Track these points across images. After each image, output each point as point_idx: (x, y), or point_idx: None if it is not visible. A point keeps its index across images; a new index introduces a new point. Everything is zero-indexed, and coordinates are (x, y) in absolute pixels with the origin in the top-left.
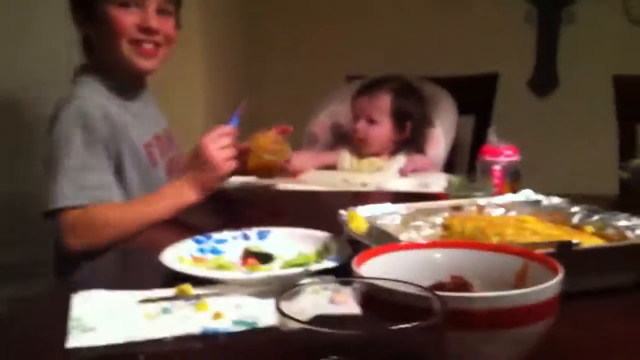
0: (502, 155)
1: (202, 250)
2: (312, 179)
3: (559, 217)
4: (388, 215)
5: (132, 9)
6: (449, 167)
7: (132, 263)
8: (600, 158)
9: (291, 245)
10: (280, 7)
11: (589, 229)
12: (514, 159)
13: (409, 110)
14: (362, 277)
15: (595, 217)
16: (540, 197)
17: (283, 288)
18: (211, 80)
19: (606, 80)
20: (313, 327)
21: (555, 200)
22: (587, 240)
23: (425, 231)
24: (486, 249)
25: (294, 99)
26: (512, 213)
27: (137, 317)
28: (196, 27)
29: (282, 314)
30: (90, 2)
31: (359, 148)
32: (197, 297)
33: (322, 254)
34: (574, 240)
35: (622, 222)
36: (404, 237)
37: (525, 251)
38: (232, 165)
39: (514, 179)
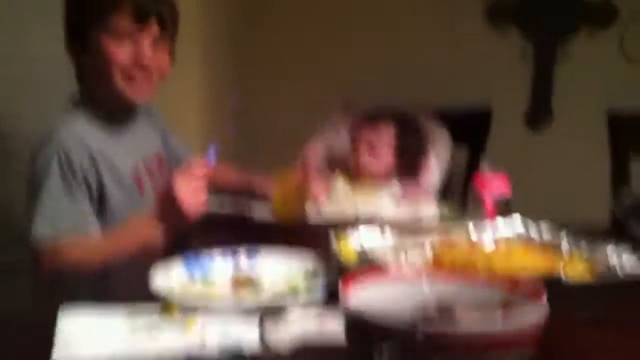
0: (493, 186)
1: (190, 270)
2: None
3: (548, 248)
4: (378, 244)
5: (126, 43)
6: (441, 196)
7: (120, 277)
8: (593, 192)
9: (280, 270)
10: (278, 34)
11: (578, 261)
12: (505, 190)
13: (410, 141)
14: (348, 305)
15: (584, 249)
16: (530, 226)
17: (270, 314)
18: (205, 106)
19: (600, 116)
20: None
21: (545, 231)
22: (574, 272)
23: (415, 260)
24: (473, 279)
25: (289, 125)
26: (502, 243)
27: (123, 332)
28: (194, 47)
29: (265, 340)
30: (85, 33)
31: (356, 177)
32: (185, 312)
33: (311, 280)
34: (560, 272)
35: (611, 255)
36: (393, 265)
37: (511, 282)
38: (202, 207)
39: (505, 210)
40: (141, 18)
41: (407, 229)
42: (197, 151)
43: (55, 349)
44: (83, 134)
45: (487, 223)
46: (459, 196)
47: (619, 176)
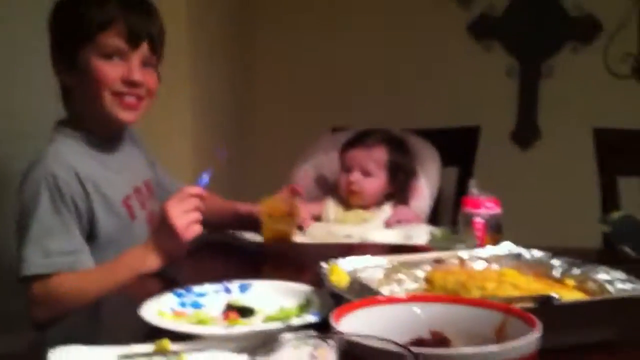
0: (483, 207)
1: (182, 304)
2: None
3: (540, 270)
4: (370, 268)
5: (116, 61)
6: (433, 218)
7: (111, 317)
8: (582, 210)
9: (273, 299)
10: (270, 57)
11: (570, 282)
12: (495, 211)
13: (402, 163)
14: (340, 333)
15: (576, 271)
16: (521, 250)
17: (263, 343)
18: (199, 128)
19: (587, 132)
20: None
21: (537, 253)
22: (568, 294)
23: (408, 284)
24: (466, 303)
25: (281, 148)
26: (494, 266)
27: None
28: (185, 74)
29: None
30: (73, 52)
31: (348, 199)
32: (176, 352)
33: (304, 308)
34: (554, 295)
35: (603, 276)
36: (385, 290)
37: (504, 306)
38: (197, 230)
39: (496, 231)
40: (133, 38)
41: (399, 253)
42: (189, 176)
43: None
44: (71, 159)
45: (478, 245)
46: (450, 218)
47: (608, 194)
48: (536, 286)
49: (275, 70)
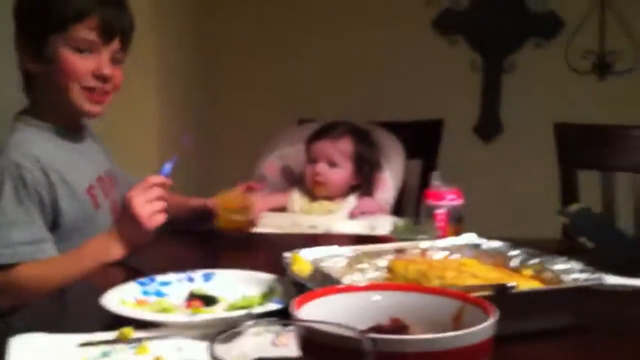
0: (445, 199)
1: (145, 293)
2: (262, 221)
3: (499, 260)
4: (333, 257)
5: (86, 55)
6: (397, 210)
7: (74, 305)
8: (543, 202)
9: (236, 287)
10: (235, 48)
11: (527, 272)
12: (456, 203)
13: (367, 154)
14: (300, 320)
15: (533, 261)
16: (481, 240)
17: (225, 330)
18: (163, 119)
19: (548, 127)
20: None
21: (496, 243)
22: (524, 283)
23: (370, 274)
24: (424, 291)
25: (245, 140)
26: (454, 256)
27: None
28: (150, 64)
29: (214, 357)
30: (42, 42)
31: (314, 191)
32: (138, 340)
33: (267, 296)
34: (511, 284)
35: (559, 266)
36: (347, 279)
37: (461, 294)
38: (160, 218)
39: (457, 222)
40: (106, 33)
41: (362, 244)
42: (154, 166)
43: None
44: (34, 148)
45: (440, 236)
46: (414, 210)
47: (567, 187)
48: (494, 275)
49: (242, 61)
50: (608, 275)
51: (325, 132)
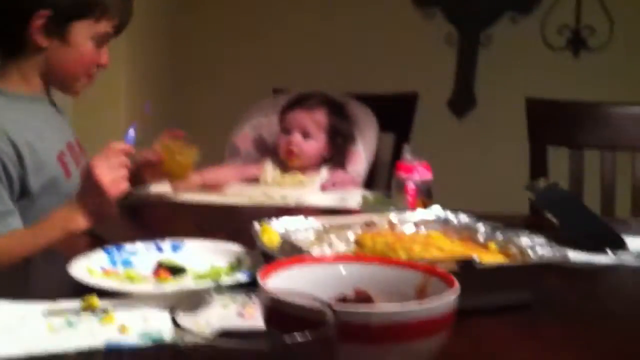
0: (415, 172)
1: (113, 262)
2: (233, 192)
3: (465, 234)
4: (302, 229)
5: (99, 46)
6: (369, 183)
7: (39, 273)
8: (513, 178)
9: (204, 258)
10: (210, 19)
11: (493, 246)
12: (426, 177)
13: (341, 126)
14: (265, 289)
15: (500, 235)
16: (449, 214)
17: (190, 300)
18: (133, 88)
19: (521, 102)
20: (207, 342)
21: (463, 218)
22: (490, 257)
23: (338, 246)
24: (389, 264)
25: (218, 110)
26: (422, 230)
27: (39, 329)
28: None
29: (177, 326)
30: (66, 24)
31: (286, 161)
32: (104, 309)
33: (235, 267)
34: (475, 258)
35: (525, 241)
36: (316, 251)
37: (426, 267)
38: (124, 186)
39: (427, 196)
40: (119, 29)
41: (332, 216)
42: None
43: None
44: (3, 122)
45: (409, 210)
46: (386, 183)
47: (537, 163)
48: (460, 249)
49: (214, 31)
50: (571, 251)
51: (300, 102)
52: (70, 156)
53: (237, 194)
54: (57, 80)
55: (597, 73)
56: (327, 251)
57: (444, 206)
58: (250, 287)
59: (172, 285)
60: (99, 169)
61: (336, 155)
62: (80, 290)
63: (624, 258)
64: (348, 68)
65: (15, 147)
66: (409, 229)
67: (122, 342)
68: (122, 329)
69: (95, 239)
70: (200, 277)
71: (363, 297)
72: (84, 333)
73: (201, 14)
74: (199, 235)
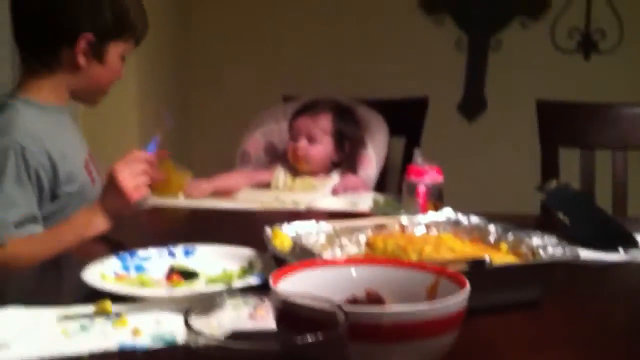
0: (426, 176)
1: (125, 268)
2: (245, 197)
3: (477, 235)
4: (313, 233)
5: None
6: (379, 187)
7: (53, 279)
8: (524, 180)
9: (216, 262)
10: (218, 26)
11: (504, 247)
12: (437, 180)
13: (348, 131)
14: (277, 292)
15: (510, 236)
16: (459, 216)
17: (203, 303)
18: (144, 98)
19: (531, 106)
20: (219, 343)
21: (474, 219)
22: (501, 257)
23: (350, 249)
24: (400, 265)
25: (228, 118)
26: (433, 232)
27: (54, 334)
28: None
29: (189, 328)
30: (104, 45)
31: (296, 166)
32: (117, 314)
33: (247, 271)
34: (485, 258)
35: (535, 241)
36: (327, 255)
37: (436, 268)
38: (145, 192)
39: (437, 199)
40: (137, 46)
41: (343, 220)
42: (135, 145)
43: None
44: (38, 129)
45: (420, 213)
46: (397, 187)
47: (548, 164)
48: (471, 250)
49: (226, 38)
50: (582, 250)
51: (307, 108)
52: (92, 164)
53: (248, 199)
54: (86, 94)
55: (608, 76)
56: (338, 254)
57: (455, 209)
58: (263, 290)
59: (185, 289)
60: (121, 175)
61: (347, 159)
62: (93, 295)
63: (636, 256)
64: (359, 74)
65: (50, 157)
66: (419, 231)
67: (135, 344)
68: (135, 332)
69: (109, 244)
70: (213, 280)
71: (374, 298)
72: (97, 336)
73: (210, 19)
74: (210, 239)
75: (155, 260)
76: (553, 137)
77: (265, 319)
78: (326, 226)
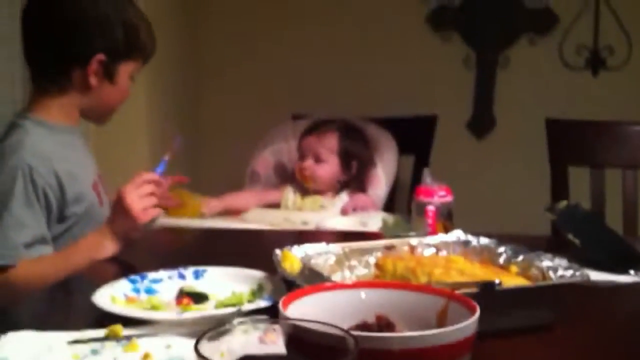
0: (435, 195)
1: (136, 290)
2: (254, 217)
3: (486, 257)
4: (322, 255)
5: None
6: (389, 206)
7: (64, 303)
8: (534, 199)
9: (226, 284)
10: (227, 44)
11: (514, 269)
12: (447, 200)
13: (355, 150)
14: (286, 318)
15: (520, 258)
16: (469, 237)
17: (213, 327)
18: (153, 117)
19: (541, 123)
20: None
21: (484, 240)
22: (511, 280)
23: (359, 271)
24: (410, 289)
25: (238, 137)
26: (443, 253)
27: (65, 358)
28: None
29: (200, 356)
30: (115, 66)
31: (304, 186)
32: (128, 337)
33: (257, 293)
34: (496, 281)
35: (546, 263)
36: (337, 277)
37: (446, 292)
38: (153, 214)
39: (447, 219)
40: (146, 63)
41: (352, 240)
42: (144, 166)
43: None
44: (47, 149)
45: (429, 233)
46: (406, 206)
47: (558, 183)
48: (481, 272)
49: (235, 55)
50: (593, 272)
51: (314, 128)
52: (100, 185)
53: (257, 219)
54: (95, 114)
55: (617, 92)
56: (348, 275)
57: (465, 228)
58: (273, 313)
59: (194, 312)
60: (129, 197)
61: (355, 178)
62: (104, 318)
63: None
64: (367, 92)
65: (58, 177)
66: (429, 253)
67: None
68: (146, 357)
69: (119, 267)
70: (223, 303)
71: (384, 323)
72: None
73: (220, 36)
74: (220, 262)
75: (166, 283)
76: (562, 156)
77: (275, 344)
78: (335, 248)
